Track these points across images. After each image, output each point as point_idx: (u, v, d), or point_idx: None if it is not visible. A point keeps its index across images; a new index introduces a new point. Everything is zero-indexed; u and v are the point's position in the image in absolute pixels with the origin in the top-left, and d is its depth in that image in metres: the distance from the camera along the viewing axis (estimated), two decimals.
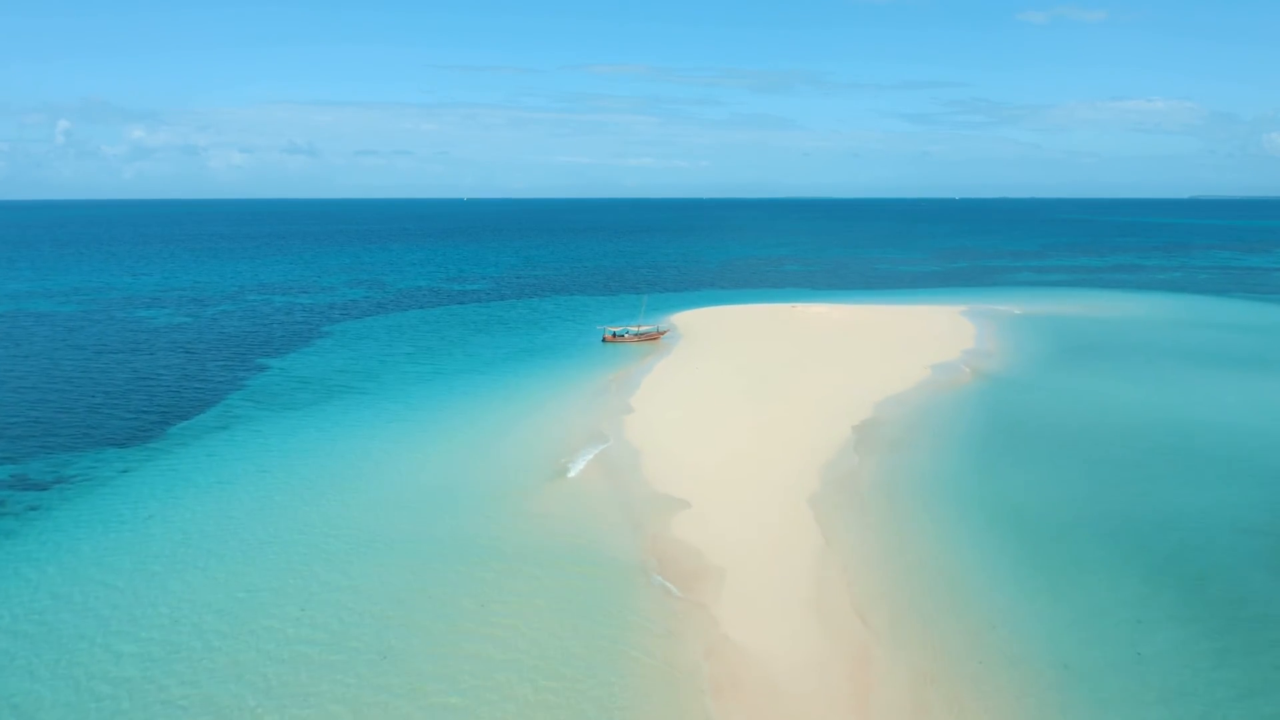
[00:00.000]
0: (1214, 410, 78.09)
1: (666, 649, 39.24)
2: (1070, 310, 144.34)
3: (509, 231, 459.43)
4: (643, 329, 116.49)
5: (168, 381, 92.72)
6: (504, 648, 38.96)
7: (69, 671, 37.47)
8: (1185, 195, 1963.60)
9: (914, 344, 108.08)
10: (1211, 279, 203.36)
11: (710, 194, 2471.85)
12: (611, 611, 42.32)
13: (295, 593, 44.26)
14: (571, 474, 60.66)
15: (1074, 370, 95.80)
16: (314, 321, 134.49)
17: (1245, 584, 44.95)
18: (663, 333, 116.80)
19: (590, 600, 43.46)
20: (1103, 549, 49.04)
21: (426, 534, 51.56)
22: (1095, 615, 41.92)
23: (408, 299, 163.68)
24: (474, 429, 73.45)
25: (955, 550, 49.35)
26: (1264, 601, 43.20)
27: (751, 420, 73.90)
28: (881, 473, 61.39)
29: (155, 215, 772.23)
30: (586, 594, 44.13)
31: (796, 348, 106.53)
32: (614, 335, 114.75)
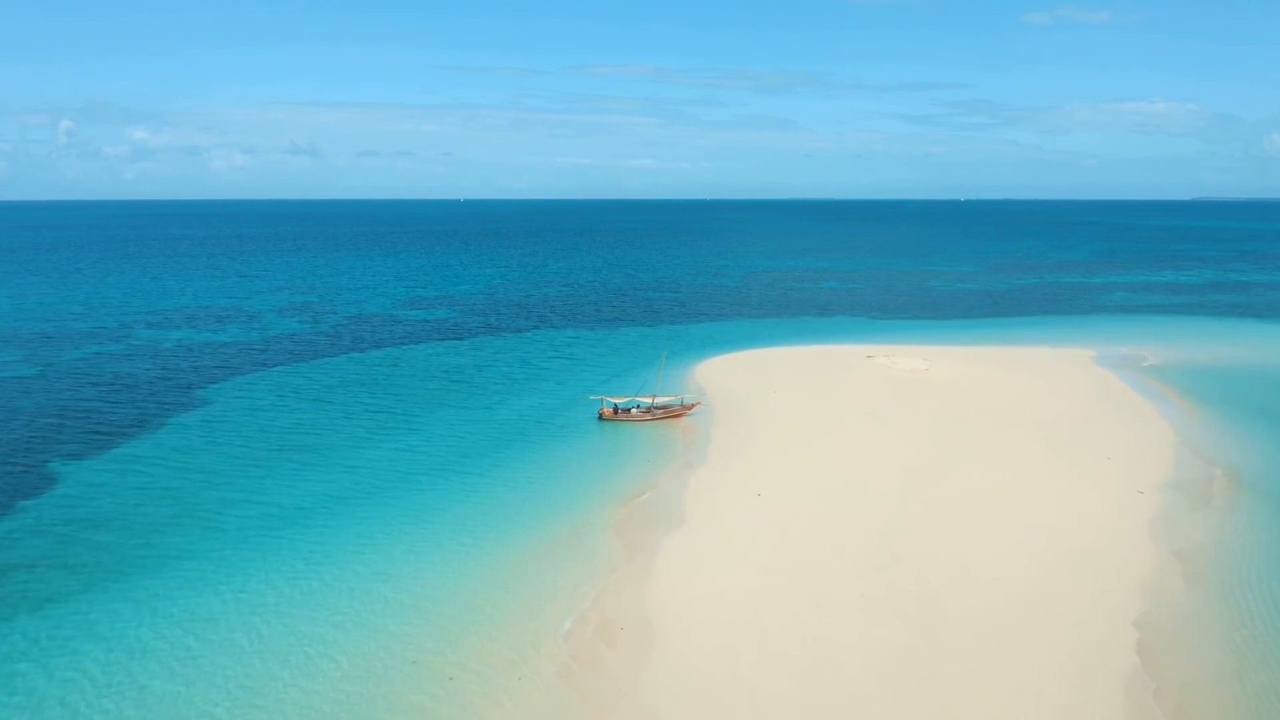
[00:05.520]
0: None
1: None
2: (1246, 356, 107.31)
3: (502, 236, 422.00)
4: (659, 402, 79.66)
5: None
6: None
7: None
8: (1188, 197, 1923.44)
9: (1078, 430, 71.30)
10: None
11: (712, 195, 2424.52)
12: None
13: None
14: None
15: None
16: (219, 370, 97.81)
17: None
18: (690, 407, 79.78)
19: None
20: None
21: None
22: None
23: (356, 330, 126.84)
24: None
25: None
26: None
27: (897, 683, 36.96)
28: None
29: (142, 217, 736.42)
30: None
31: (900, 439, 69.73)
32: (615, 410, 77.99)
